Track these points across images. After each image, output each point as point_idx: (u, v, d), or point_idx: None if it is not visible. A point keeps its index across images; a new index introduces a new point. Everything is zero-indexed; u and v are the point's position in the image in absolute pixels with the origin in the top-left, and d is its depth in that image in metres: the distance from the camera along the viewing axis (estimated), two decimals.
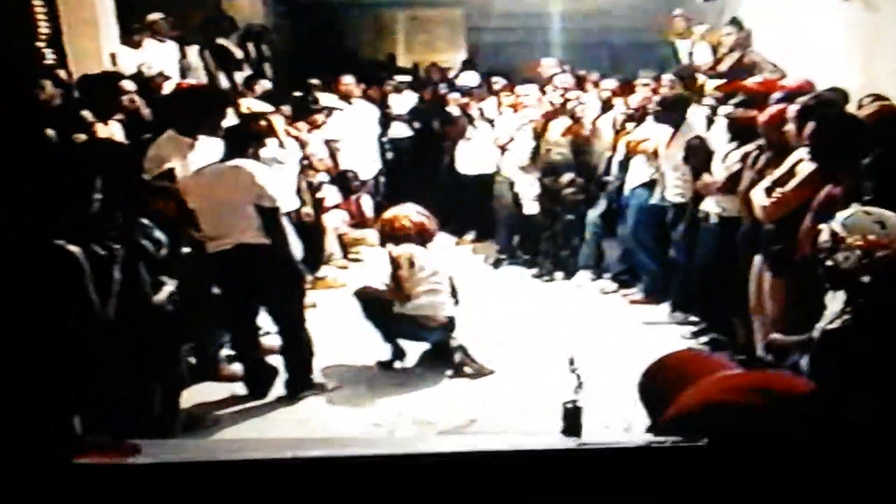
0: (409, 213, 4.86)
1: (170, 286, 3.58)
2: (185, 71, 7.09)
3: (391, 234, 4.79)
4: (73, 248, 2.94)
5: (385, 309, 4.62)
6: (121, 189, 3.37)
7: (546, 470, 1.42)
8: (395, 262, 4.61)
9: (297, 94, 6.66)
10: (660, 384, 1.80)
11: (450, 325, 4.67)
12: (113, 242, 3.19)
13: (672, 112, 5.38)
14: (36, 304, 2.56)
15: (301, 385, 4.34)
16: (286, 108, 6.15)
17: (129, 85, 5.45)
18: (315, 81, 7.42)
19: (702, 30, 7.40)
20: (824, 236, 2.73)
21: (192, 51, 7.34)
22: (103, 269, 3.14)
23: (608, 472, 1.42)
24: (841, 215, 2.72)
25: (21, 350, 1.87)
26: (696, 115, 5.48)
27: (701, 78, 6.36)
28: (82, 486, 1.30)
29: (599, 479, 1.39)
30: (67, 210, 3.00)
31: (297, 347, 4.35)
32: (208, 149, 4.30)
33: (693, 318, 5.12)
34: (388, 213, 4.98)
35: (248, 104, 5.56)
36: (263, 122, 5.19)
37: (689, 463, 1.41)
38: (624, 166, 5.92)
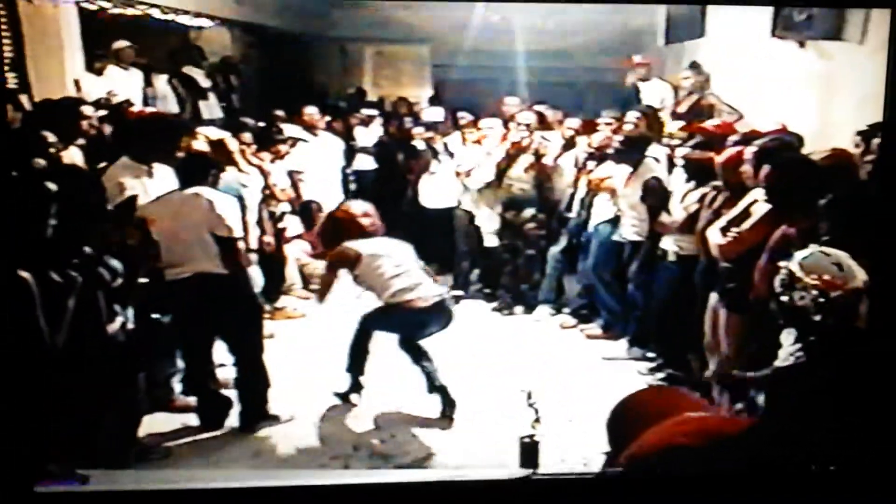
0: (356, 207, 4.82)
1: (121, 317, 3.54)
2: (151, 99, 7.05)
3: (340, 230, 4.69)
4: (25, 274, 2.89)
5: (380, 311, 4.51)
6: (79, 215, 3.34)
7: (502, 500, 1.42)
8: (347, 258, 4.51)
9: (261, 124, 6.66)
10: (626, 420, 1.82)
11: (441, 307, 4.50)
12: (71, 270, 3.15)
13: (633, 151, 5.46)
14: None
15: (256, 417, 4.28)
16: (247, 137, 6.14)
17: (88, 110, 5.40)
18: (280, 112, 7.43)
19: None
20: (781, 275, 2.79)
21: (161, 79, 7.32)
22: (58, 296, 3.10)
23: (562, 501, 1.42)
24: (799, 255, 2.78)
25: None
26: (655, 156, 5.58)
27: (662, 118, 6.49)
28: None
29: None
30: (23, 235, 2.95)
31: (254, 378, 4.29)
32: (166, 177, 4.29)
33: (650, 354, 5.17)
34: (335, 210, 4.96)
35: (206, 132, 5.54)
36: (222, 150, 5.15)
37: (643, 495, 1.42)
38: (584, 203, 6.00)
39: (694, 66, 7.15)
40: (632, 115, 6.09)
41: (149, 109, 6.14)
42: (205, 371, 4.34)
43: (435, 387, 4.46)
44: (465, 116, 7.95)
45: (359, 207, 4.80)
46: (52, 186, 3.28)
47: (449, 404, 4.43)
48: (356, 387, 4.65)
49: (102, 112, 5.66)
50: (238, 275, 4.16)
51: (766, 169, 3.74)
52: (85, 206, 3.43)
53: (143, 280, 3.87)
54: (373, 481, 2.47)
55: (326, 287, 4.59)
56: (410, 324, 4.48)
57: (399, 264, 4.50)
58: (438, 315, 4.50)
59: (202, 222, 4.05)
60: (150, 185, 4.22)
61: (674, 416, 1.75)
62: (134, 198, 4.03)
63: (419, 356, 4.49)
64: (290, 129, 6.87)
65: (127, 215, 3.93)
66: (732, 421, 1.57)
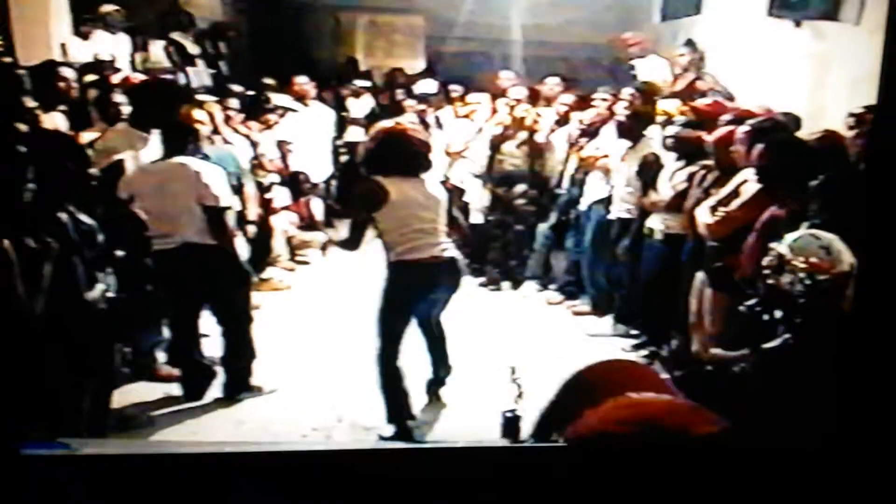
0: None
1: (103, 284, 3.50)
2: (140, 63, 6.98)
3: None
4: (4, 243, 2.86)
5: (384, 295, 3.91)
6: (58, 181, 3.29)
7: (484, 468, 1.40)
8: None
9: (251, 92, 6.58)
10: (576, 392, 1.79)
11: (453, 265, 3.98)
12: (47, 236, 3.10)
13: (637, 127, 5.42)
14: None
15: (239, 387, 4.26)
16: (234, 104, 6.08)
17: (68, 73, 5.32)
18: (269, 81, 7.35)
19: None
20: (770, 257, 2.79)
21: (157, 45, 7.24)
22: (34, 263, 3.06)
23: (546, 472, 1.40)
24: (789, 237, 2.78)
25: None
26: (653, 133, 5.54)
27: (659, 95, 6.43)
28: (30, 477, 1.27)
29: (536, 479, 1.38)
30: None
31: (239, 349, 4.28)
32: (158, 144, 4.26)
33: (634, 332, 5.18)
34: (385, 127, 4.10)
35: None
36: (201, 116, 5.08)
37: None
38: (575, 180, 5.97)
39: (689, 43, 7.10)
40: (626, 92, 6.04)
41: (139, 76, 6.02)
42: (190, 341, 4.32)
43: (437, 381, 4.33)
44: (456, 89, 7.89)
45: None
46: (22, 149, 3.22)
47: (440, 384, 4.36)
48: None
49: (92, 76, 5.58)
50: (226, 245, 4.12)
51: (758, 148, 3.73)
52: (62, 171, 3.38)
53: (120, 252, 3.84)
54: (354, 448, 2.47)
55: (360, 233, 3.92)
56: (418, 285, 3.94)
57: (425, 218, 3.89)
58: (449, 273, 3.97)
59: (189, 192, 4.00)
60: (144, 152, 4.18)
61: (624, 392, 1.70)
62: (120, 162, 3.99)
63: (436, 342, 4.26)
64: (279, 99, 6.80)
65: (113, 180, 3.89)
66: (680, 406, 1.55)
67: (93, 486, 1.28)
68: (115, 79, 5.83)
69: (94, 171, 3.93)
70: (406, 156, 3.89)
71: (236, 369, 4.29)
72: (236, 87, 6.70)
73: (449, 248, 3.95)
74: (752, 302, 2.94)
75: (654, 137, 5.41)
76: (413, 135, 3.98)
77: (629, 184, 5.28)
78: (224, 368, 4.29)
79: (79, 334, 3.22)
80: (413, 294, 3.95)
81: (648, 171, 5.06)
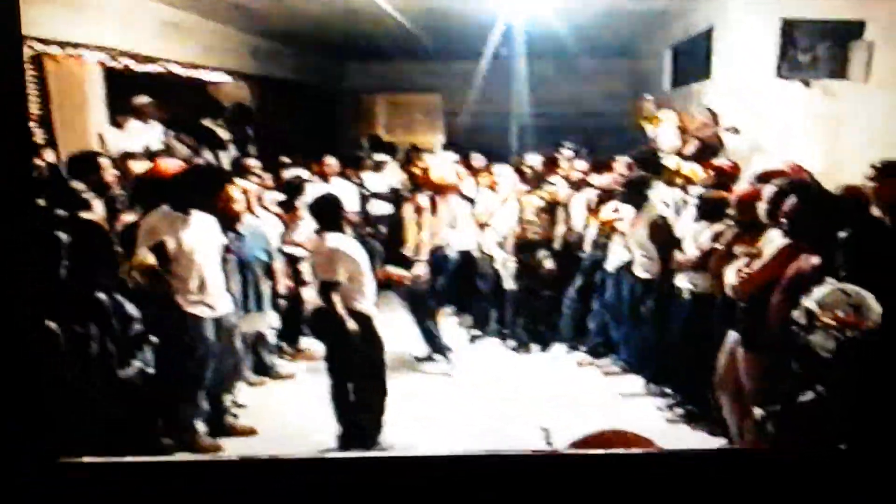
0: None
1: (139, 362, 3.64)
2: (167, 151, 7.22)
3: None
4: (52, 325, 3.00)
5: None
6: (96, 265, 3.46)
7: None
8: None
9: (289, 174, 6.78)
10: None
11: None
12: (86, 319, 3.26)
13: (634, 192, 5.56)
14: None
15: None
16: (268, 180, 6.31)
17: (105, 163, 5.54)
18: (286, 160, 7.58)
19: (669, 115, 7.67)
20: (798, 312, 2.82)
21: (169, 133, 7.52)
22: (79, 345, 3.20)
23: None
24: (817, 292, 2.80)
25: None
26: (659, 195, 5.67)
27: (674, 161, 6.55)
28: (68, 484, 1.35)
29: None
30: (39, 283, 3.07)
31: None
32: (203, 223, 4.49)
33: (668, 391, 5.19)
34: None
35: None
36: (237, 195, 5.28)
37: None
38: (597, 243, 6.08)
39: (708, 109, 7.25)
40: (621, 163, 6.23)
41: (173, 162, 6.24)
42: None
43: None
44: (477, 158, 8.07)
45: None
46: (63, 236, 3.41)
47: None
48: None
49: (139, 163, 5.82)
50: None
51: (790, 201, 3.72)
52: (95, 255, 3.56)
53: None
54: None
55: None
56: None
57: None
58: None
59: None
60: (185, 232, 4.37)
61: None
62: (162, 243, 4.22)
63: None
64: (294, 172, 7.02)
65: (159, 258, 4.15)
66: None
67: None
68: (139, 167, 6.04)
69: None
70: None
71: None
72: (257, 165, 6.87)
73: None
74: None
75: (659, 200, 5.50)
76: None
77: (642, 247, 5.38)
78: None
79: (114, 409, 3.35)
80: None
81: (659, 234, 5.17)
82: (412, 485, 1.40)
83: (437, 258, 6.56)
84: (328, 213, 4.65)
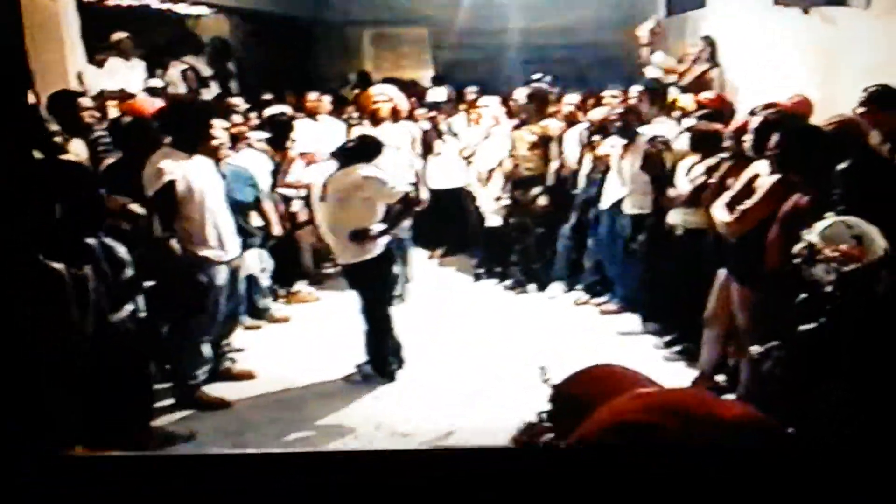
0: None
1: (130, 305, 3.59)
2: (159, 88, 7.05)
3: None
4: (57, 266, 2.96)
5: None
6: (83, 208, 3.38)
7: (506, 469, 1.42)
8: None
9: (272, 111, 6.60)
10: (571, 400, 1.79)
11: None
12: (79, 262, 3.21)
13: (628, 126, 5.46)
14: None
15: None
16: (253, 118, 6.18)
17: (86, 102, 5.40)
18: (268, 97, 7.40)
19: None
20: (801, 246, 2.77)
21: (175, 70, 7.34)
22: (79, 287, 3.16)
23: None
24: (819, 226, 2.74)
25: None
26: (655, 127, 5.56)
27: (671, 92, 6.44)
28: (74, 477, 1.32)
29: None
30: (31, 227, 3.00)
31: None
32: (205, 162, 4.39)
33: (664, 329, 5.18)
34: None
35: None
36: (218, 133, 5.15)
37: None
38: (590, 179, 5.99)
39: (705, 38, 7.11)
40: (634, 90, 6.08)
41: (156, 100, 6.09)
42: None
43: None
44: (472, 91, 7.92)
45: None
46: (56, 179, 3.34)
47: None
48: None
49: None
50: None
51: (775, 137, 3.68)
52: (88, 199, 3.48)
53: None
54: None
55: None
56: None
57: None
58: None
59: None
60: (190, 170, 4.23)
61: (620, 394, 1.70)
62: (172, 182, 4.09)
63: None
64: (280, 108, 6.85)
65: (167, 200, 4.06)
66: (704, 394, 1.54)
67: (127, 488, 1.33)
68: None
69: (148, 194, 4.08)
70: None
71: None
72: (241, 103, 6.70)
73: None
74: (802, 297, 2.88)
75: (649, 134, 5.38)
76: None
77: (634, 180, 5.31)
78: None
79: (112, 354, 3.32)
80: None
81: (653, 167, 5.07)
82: (412, 484, 1.36)
83: None
84: (367, 154, 4.66)
